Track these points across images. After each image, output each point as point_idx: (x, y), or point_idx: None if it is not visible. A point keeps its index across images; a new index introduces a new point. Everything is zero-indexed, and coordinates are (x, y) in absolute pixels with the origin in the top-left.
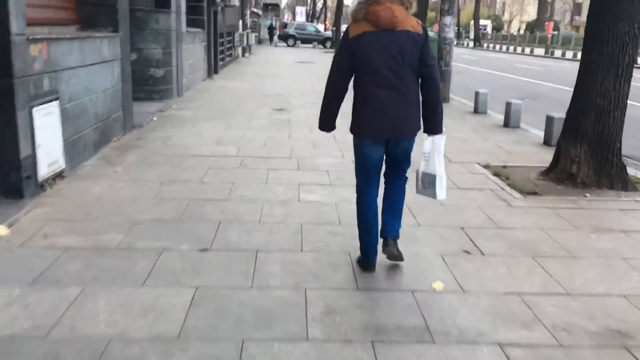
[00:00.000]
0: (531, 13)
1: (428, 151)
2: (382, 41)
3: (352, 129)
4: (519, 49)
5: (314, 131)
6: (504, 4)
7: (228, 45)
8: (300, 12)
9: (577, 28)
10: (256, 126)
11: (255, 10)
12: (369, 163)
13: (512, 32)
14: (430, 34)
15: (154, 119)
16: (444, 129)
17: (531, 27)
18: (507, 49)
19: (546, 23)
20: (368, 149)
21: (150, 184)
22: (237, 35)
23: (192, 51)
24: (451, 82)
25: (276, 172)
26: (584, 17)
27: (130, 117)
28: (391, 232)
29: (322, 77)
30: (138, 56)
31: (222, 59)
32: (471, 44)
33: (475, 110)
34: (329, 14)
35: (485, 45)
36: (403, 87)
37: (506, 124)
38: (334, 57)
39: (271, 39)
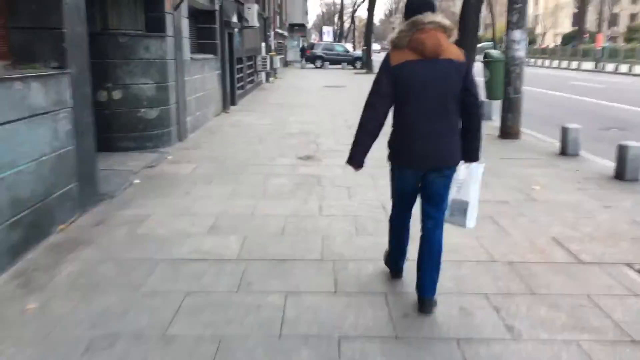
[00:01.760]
0: (565, 24)
1: (462, 179)
2: (426, 70)
3: (392, 158)
4: (563, 64)
5: (355, 196)
6: (536, 16)
7: (249, 71)
8: (328, 32)
9: (614, 39)
10: (274, 190)
11: (280, 31)
12: (407, 192)
13: (547, 45)
14: (494, 52)
15: (135, 181)
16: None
17: (568, 39)
18: (550, 63)
19: (597, 34)
20: (408, 178)
21: (71, 343)
22: (259, 59)
23: (201, 82)
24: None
25: (298, 300)
26: (621, 27)
27: (94, 186)
28: (431, 292)
29: (356, 106)
30: (123, 94)
31: (242, 87)
32: None
33: (564, 152)
34: (356, 33)
35: None
36: (445, 117)
37: (620, 174)
38: (373, 86)
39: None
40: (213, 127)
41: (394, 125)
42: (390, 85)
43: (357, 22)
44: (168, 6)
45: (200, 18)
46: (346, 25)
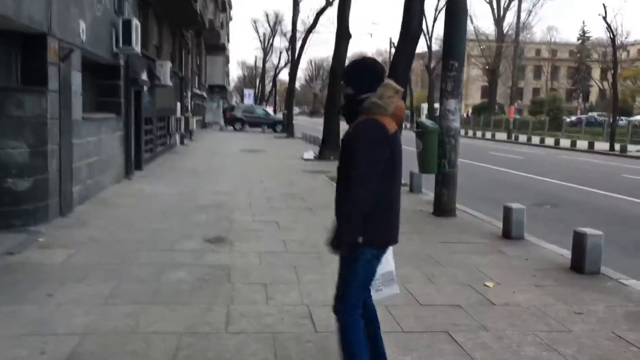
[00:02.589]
0: (475, 97)
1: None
2: (399, 139)
3: (371, 239)
4: (478, 133)
5: (274, 298)
6: None
7: (160, 133)
8: (249, 95)
9: (520, 111)
10: (168, 290)
11: (198, 91)
12: (371, 279)
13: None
14: (428, 122)
15: None
16: None
17: (478, 110)
18: (466, 132)
19: (510, 106)
20: (377, 262)
21: None
22: (173, 120)
23: (96, 145)
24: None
25: None
26: (525, 100)
27: None
28: None
29: (276, 173)
30: None
31: (151, 150)
32: None
33: (507, 235)
34: (277, 97)
35: None
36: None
37: (578, 266)
38: (369, 156)
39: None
40: (109, 197)
41: (377, 200)
42: (387, 156)
43: (278, 86)
44: (53, 55)
45: (102, 73)
46: (267, 88)
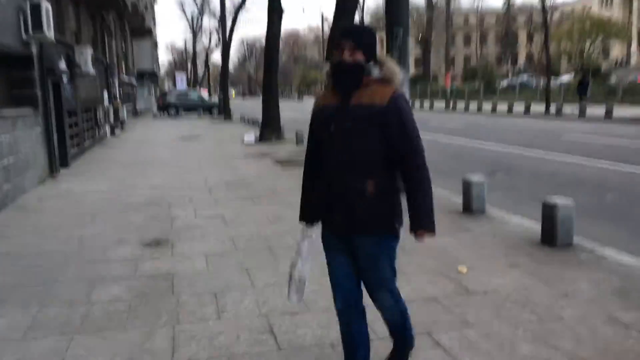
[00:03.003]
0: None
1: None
2: None
3: (400, 223)
4: (416, 104)
5: (227, 311)
6: None
7: (87, 125)
8: (181, 79)
9: (453, 80)
10: (100, 313)
11: (126, 78)
12: None
13: None
14: None
15: None
16: None
17: (414, 80)
18: None
19: (446, 74)
20: None
21: None
22: (100, 111)
23: (10, 145)
24: None
25: None
26: (457, 69)
27: None
28: None
29: (218, 160)
30: None
31: (78, 144)
32: None
33: (468, 209)
34: (211, 80)
35: None
36: None
37: (549, 239)
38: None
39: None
40: (30, 202)
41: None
42: None
43: (211, 68)
44: None
45: (13, 64)
46: (200, 71)
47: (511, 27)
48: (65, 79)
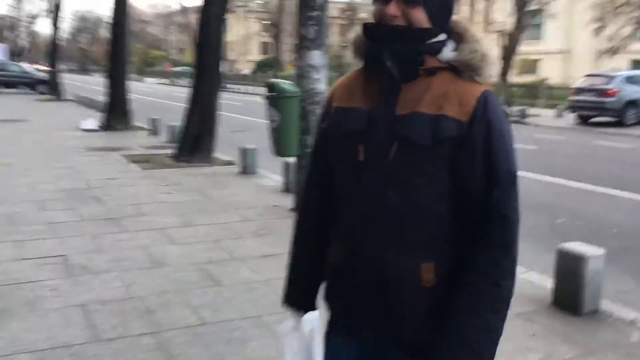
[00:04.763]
0: (254, 52)
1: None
2: None
3: None
4: (250, 89)
5: None
6: (225, 43)
7: None
8: (3, 50)
9: (294, 66)
10: None
11: None
12: None
13: (243, 71)
14: (286, 85)
15: None
16: None
17: (261, 66)
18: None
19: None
20: None
21: None
22: None
23: None
24: None
25: None
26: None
27: None
28: None
29: (50, 156)
30: None
31: None
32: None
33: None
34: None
35: None
36: None
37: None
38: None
39: None
40: None
41: None
42: None
43: (35, 39)
44: None
45: None
46: (23, 42)
47: (355, 18)
48: None
